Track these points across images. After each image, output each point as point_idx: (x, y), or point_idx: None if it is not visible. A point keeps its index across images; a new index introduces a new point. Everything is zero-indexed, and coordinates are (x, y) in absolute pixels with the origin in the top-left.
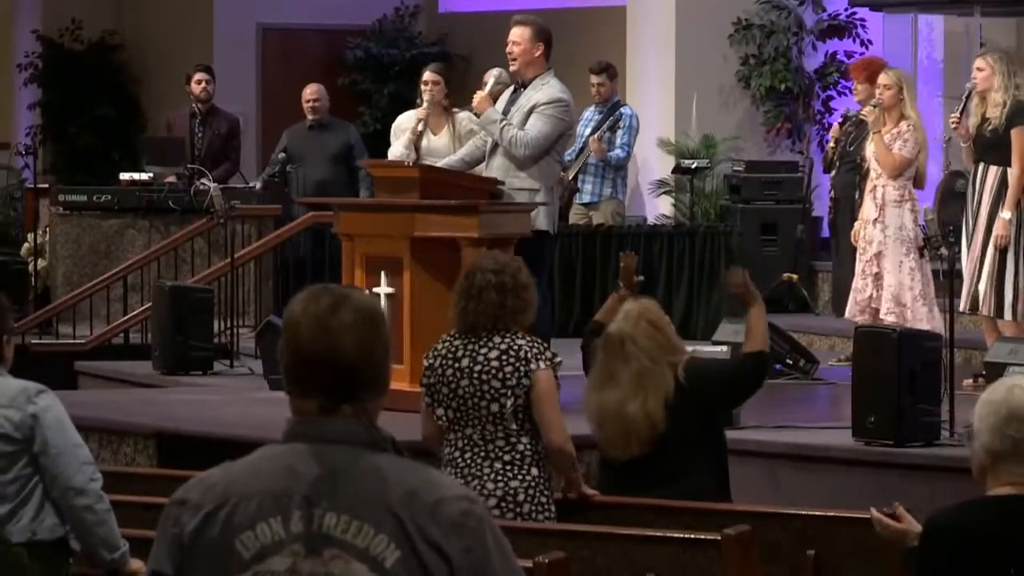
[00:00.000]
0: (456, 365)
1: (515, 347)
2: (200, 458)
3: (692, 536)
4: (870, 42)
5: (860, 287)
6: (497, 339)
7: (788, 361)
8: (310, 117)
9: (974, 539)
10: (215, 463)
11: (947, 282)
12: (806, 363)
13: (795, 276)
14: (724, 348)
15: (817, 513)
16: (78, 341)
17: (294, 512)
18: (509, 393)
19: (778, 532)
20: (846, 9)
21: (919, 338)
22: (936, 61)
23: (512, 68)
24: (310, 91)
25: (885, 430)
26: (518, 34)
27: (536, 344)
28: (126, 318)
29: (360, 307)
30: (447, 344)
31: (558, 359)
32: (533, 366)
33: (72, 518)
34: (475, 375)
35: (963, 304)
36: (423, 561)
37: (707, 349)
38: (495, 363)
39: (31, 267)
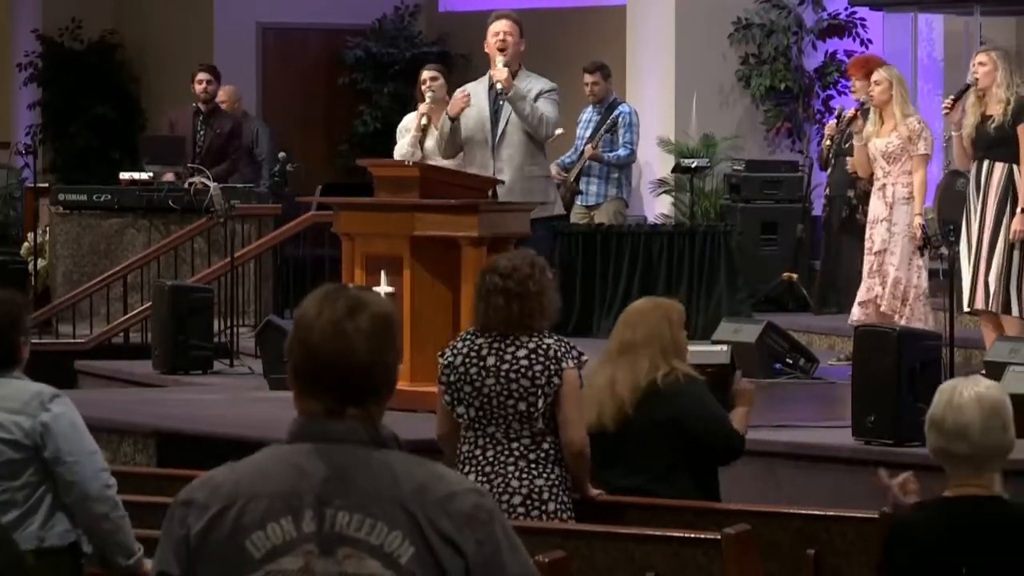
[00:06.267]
0: (481, 364)
1: (544, 346)
2: (200, 458)
3: (692, 536)
4: (870, 41)
5: (869, 286)
6: (524, 338)
7: (788, 360)
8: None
9: (927, 538)
10: (215, 463)
11: (947, 282)
12: (806, 362)
13: (795, 276)
14: (724, 347)
15: (817, 513)
16: (78, 340)
17: (305, 512)
18: (539, 392)
19: (778, 532)
20: (846, 8)
21: (919, 337)
22: (936, 60)
23: (503, 58)
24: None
25: (885, 429)
26: (508, 27)
27: (564, 343)
28: (126, 318)
29: (376, 312)
30: (469, 342)
31: (584, 357)
32: (564, 364)
33: (87, 525)
34: (502, 374)
35: (965, 302)
36: (437, 556)
37: (707, 348)
38: (524, 362)
39: (31, 267)
